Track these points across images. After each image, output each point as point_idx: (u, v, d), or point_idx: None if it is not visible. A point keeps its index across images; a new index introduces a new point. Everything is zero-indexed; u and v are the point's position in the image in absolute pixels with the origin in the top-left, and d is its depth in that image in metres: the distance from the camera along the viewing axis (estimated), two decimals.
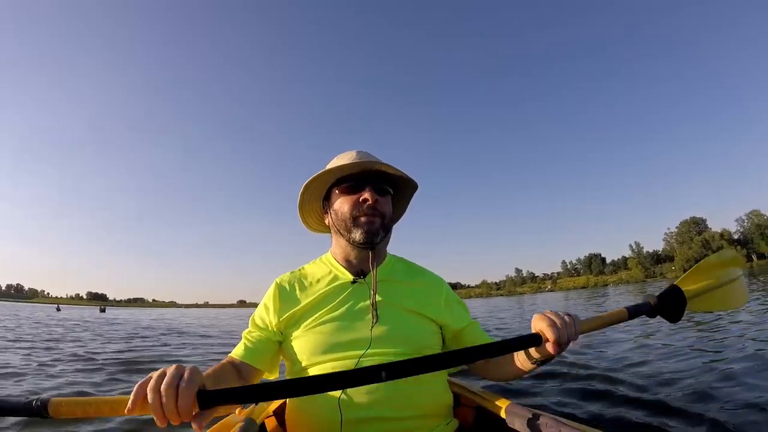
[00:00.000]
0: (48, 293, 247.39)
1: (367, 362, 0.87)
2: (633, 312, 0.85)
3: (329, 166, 0.99)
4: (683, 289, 0.91)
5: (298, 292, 1.01)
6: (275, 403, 1.21)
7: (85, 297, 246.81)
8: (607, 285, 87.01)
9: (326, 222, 1.07)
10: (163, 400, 0.55)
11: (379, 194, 0.97)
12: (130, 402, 0.56)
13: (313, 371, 0.91)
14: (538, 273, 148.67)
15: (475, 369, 1.03)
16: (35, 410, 0.61)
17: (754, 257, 78.84)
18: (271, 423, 1.15)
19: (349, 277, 1.00)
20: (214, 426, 0.96)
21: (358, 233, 0.96)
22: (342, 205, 0.98)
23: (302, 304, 0.97)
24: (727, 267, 0.99)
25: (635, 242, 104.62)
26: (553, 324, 0.72)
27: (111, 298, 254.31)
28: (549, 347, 0.73)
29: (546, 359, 0.79)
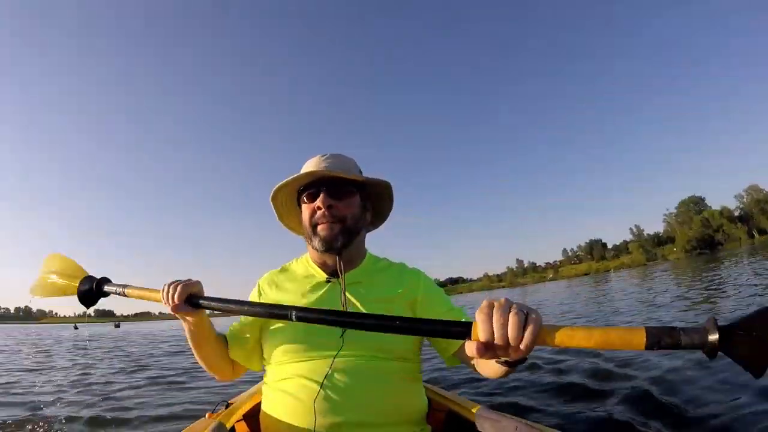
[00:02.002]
0: (56, 313, 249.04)
1: (341, 362, 0.89)
2: (658, 339, 0.49)
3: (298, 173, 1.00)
4: None
5: (276, 289, 1.05)
6: (246, 407, 1.22)
7: (93, 315, 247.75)
8: (608, 270, 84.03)
9: None
10: (169, 291, 0.88)
11: (335, 198, 0.96)
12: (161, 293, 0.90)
13: (287, 369, 0.93)
14: (540, 262, 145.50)
15: (467, 363, 0.93)
16: (94, 291, 0.99)
17: (755, 233, 77.24)
18: (241, 427, 1.14)
19: (323, 276, 1.03)
20: (183, 430, 1.01)
21: (316, 241, 0.97)
22: (305, 212, 1.00)
23: (280, 302, 1.00)
24: None
25: (635, 225, 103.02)
26: (487, 319, 0.55)
27: (118, 314, 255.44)
28: (472, 347, 0.56)
29: (514, 362, 0.64)
